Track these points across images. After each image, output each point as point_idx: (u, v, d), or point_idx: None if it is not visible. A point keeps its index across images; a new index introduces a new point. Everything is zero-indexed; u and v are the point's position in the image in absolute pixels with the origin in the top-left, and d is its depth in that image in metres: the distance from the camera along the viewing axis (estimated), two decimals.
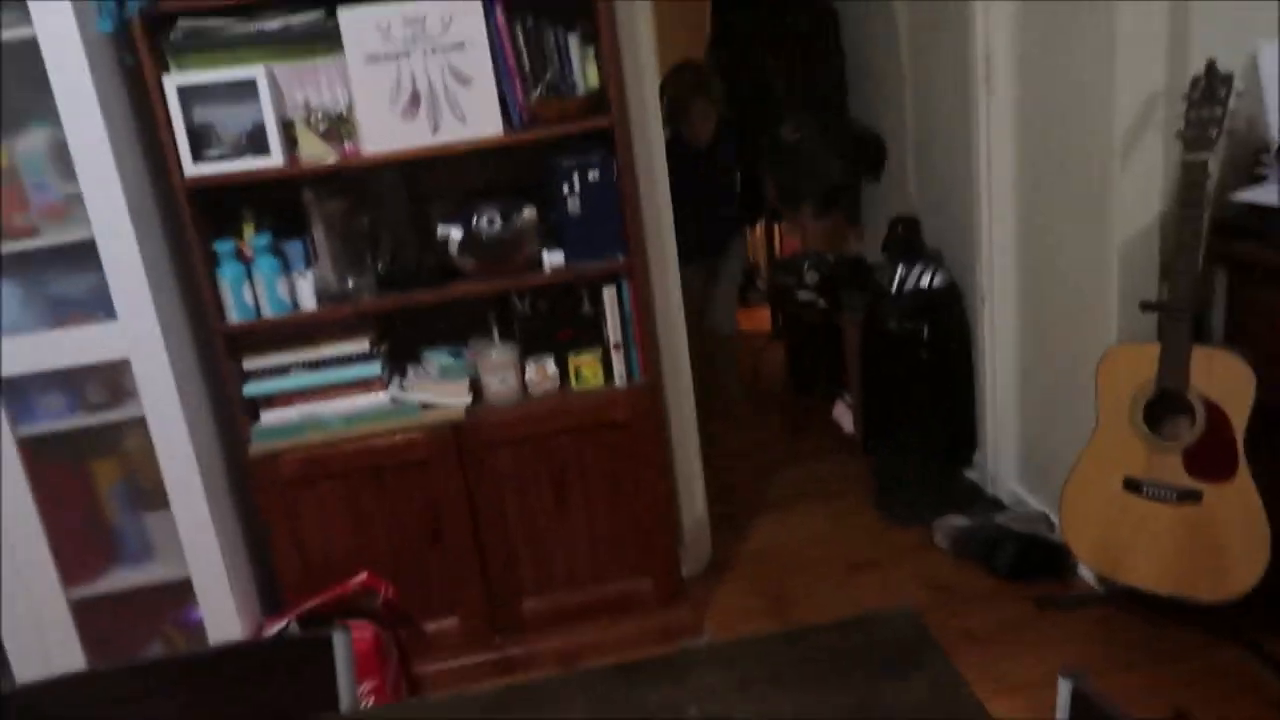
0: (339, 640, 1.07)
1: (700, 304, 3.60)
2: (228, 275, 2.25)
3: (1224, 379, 2.06)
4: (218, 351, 2.28)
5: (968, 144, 2.80)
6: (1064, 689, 0.91)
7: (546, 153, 2.34)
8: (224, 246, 2.24)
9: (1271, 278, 2.10)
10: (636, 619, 2.53)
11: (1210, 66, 2.03)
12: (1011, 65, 2.64)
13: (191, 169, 2.17)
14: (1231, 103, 2.01)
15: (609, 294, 2.40)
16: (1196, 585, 2.16)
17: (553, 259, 2.36)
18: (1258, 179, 2.16)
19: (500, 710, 1.01)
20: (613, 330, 2.41)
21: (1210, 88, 2.02)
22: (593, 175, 2.32)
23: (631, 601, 2.53)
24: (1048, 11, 2.45)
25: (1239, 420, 2.05)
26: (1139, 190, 2.26)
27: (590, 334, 2.47)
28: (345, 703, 1.07)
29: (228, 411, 2.36)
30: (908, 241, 3.10)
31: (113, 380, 2.21)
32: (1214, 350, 2.09)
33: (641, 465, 2.44)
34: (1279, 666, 2.11)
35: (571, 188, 2.33)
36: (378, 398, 2.38)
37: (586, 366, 2.44)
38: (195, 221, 2.19)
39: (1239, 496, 2.07)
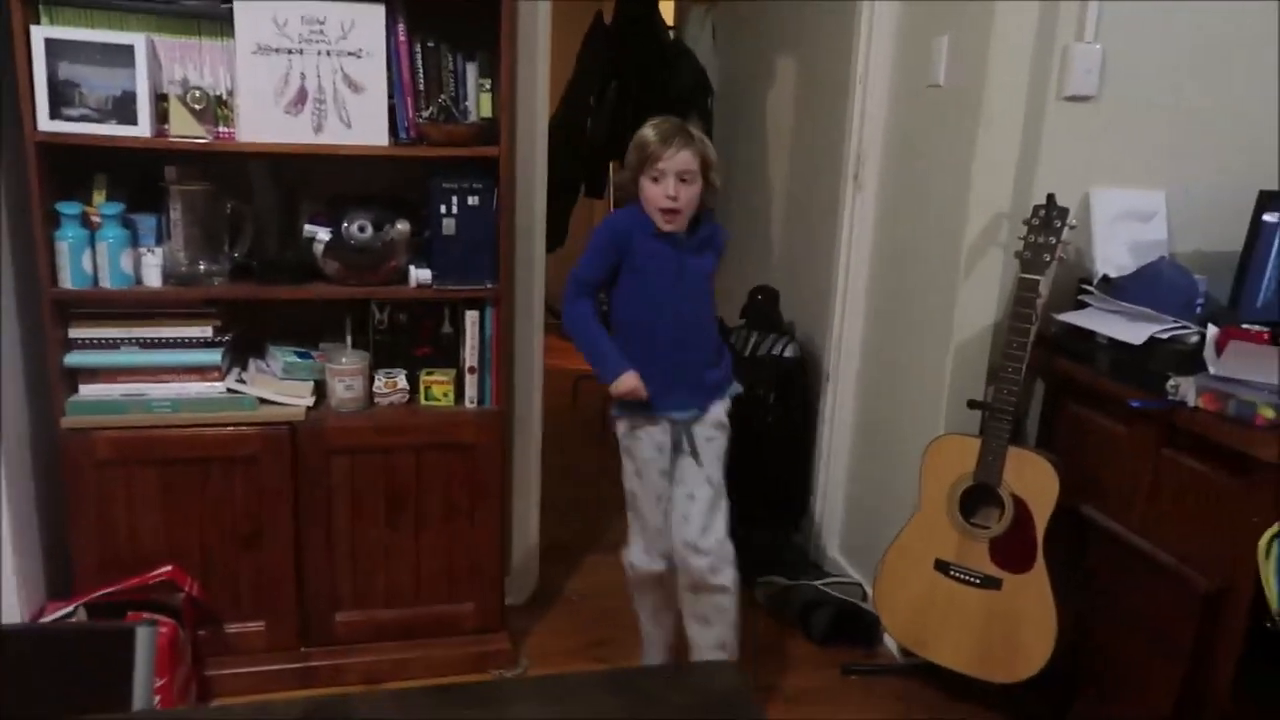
0: (142, 635, 1.02)
1: None
2: (68, 238, 2.12)
3: (1032, 479, 2.23)
4: (43, 316, 2.13)
5: (832, 230, 2.96)
6: None
7: (430, 171, 2.32)
8: (69, 209, 2.11)
9: (1083, 393, 2.30)
10: (452, 643, 2.49)
11: (1050, 199, 2.22)
12: (879, 167, 2.82)
13: (47, 124, 2.05)
14: (1065, 234, 2.21)
15: (471, 317, 2.39)
16: (991, 667, 2.30)
17: (420, 275, 2.34)
18: (1079, 305, 2.37)
19: None
20: (470, 353, 2.40)
21: (1049, 217, 2.22)
22: (472, 200, 2.32)
23: (450, 625, 2.49)
24: (917, 124, 2.64)
25: (1041, 517, 2.22)
26: (978, 298, 2.44)
27: (447, 355, 2.45)
28: (139, 701, 1.02)
29: (45, 379, 2.21)
30: (765, 311, 3.22)
31: None
32: (1026, 452, 2.26)
33: (480, 491, 2.42)
34: None
35: (449, 209, 2.32)
36: (213, 386, 2.28)
37: (438, 386, 2.41)
38: (41, 179, 2.06)
39: (1034, 587, 2.23)
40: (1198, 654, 1.94)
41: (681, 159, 1.99)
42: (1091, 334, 2.26)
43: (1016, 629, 2.25)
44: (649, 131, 2.01)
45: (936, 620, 2.37)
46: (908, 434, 2.64)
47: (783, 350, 3.13)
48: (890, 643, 2.69)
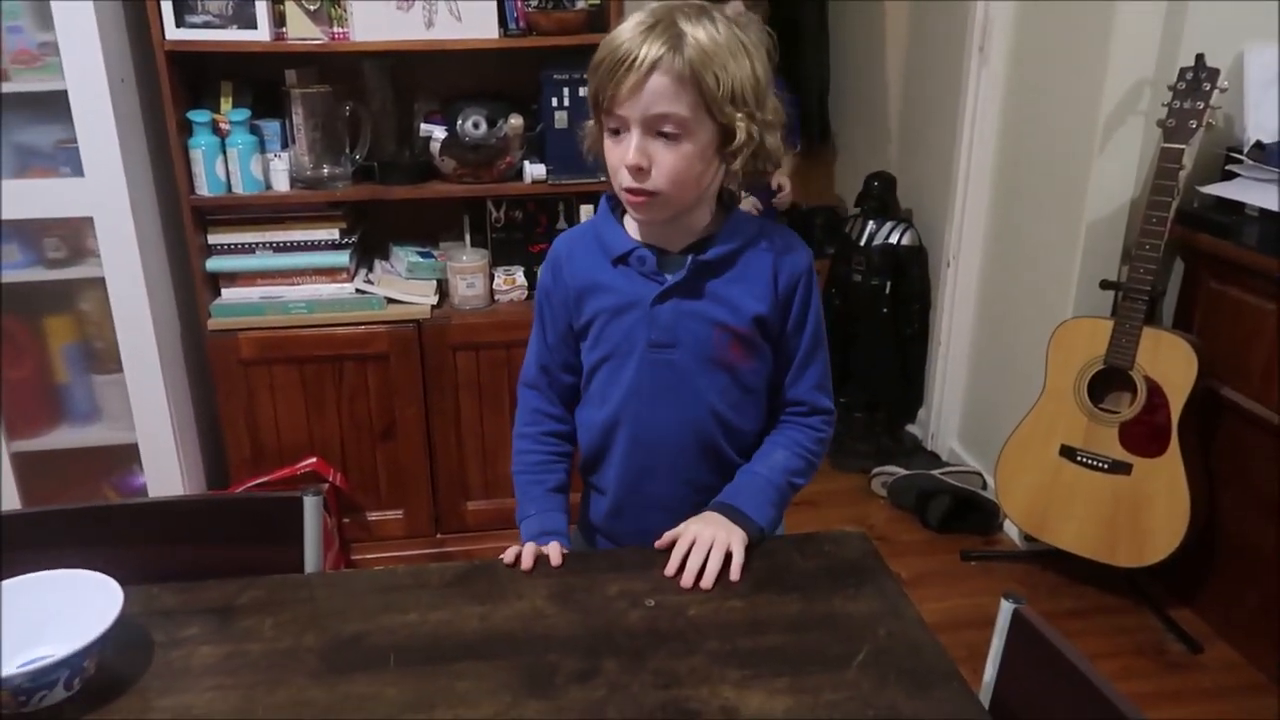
0: (310, 503, 1.09)
1: None
2: (201, 146, 2.20)
3: (1169, 361, 2.15)
4: (184, 222, 2.24)
5: (954, 109, 2.83)
6: (1005, 610, 0.97)
7: (540, 63, 2.31)
8: (200, 117, 2.19)
9: (1226, 270, 2.18)
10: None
11: (1199, 60, 2.07)
12: (1008, 37, 2.66)
13: (174, 32, 2.11)
14: (1214, 97, 2.06)
15: (586, 211, 2.39)
16: (1116, 551, 2.26)
17: (534, 170, 2.35)
18: (1227, 175, 2.22)
19: (461, 582, 1.04)
20: None
21: (1196, 81, 2.07)
22: (584, 91, 2.29)
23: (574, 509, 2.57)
24: None
25: (1177, 401, 2.14)
26: (1114, 173, 2.31)
27: None
28: (310, 564, 1.10)
29: (189, 284, 2.33)
30: (882, 198, 3.13)
31: (75, 237, 2.16)
32: (1162, 333, 2.16)
33: None
34: (1182, 632, 2.24)
35: (561, 101, 2.31)
36: (343, 287, 2.37)
37: None
38: (172, 87, 2.13)
39: (1167, 471, 2.17)
40: None
41: (653, 91, 1.03)
42: (1240, 206, 2.13)
43: (1146, 514, 2.20)
44: (615, 33, 1.07)
45: (1060, 505, 2.33)
46: (1033, 320, 2.55)
47: (900, 238, 3.05)
48: (1010, 530, 2.67)
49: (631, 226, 1.17)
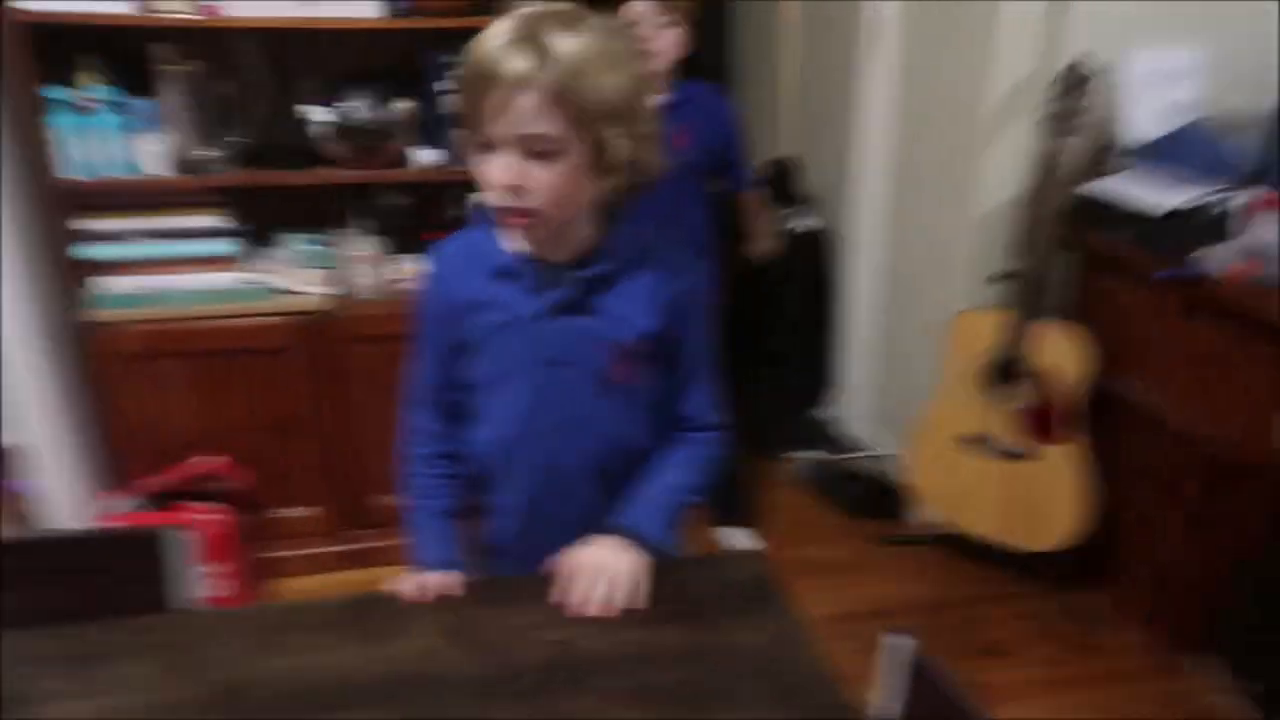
0: (168, 539, 1.02)
1: None
2: (61, 125, 2.03)
3: (1058, 350, 2.21)
4: (48, 207, 2.08)
5: (849, 95, 2.84)
6: (894, 647, 0.96)
7: (426, 44, 2.21)
8: (57, 94, 2.02)
9: (1108, 265, 2.25)
10: None
11: (1073, 64, 2.11)
12: (899, 22, 2.68)
13: (28, 2, 1.94)
14: (1088, 100, 2.10)
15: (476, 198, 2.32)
16: (1022, 535, 2.33)
17: (424, 156, 2.26)
18: (1104, 174, 2.29)
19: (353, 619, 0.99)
20: None
21: (1074, 80, 2.11)
22: None
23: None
24: None
25: (1067, 390, 2.21)
26: (1003, 167, 2.35)
27: None
28: (176, 600, 1.02)
29: (60, 275, 2.17)
30: (783, 183, 3.14)
31: None
32: (1051, 325, 2.23)
33: None
34: (1081, 615, 2.33)
35: (451, 86, 2.22)
36: (228, 277, 2.24)
37: None
38: (24, 61, 1.96)
39: (1063, 457, 2.24)
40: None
41: (520, 110, 0.97)
42: (1114, 204, 2.20)
43: (1044, 499, 2.28)
44: (481, 40, 1.00)
45: (966, 491, 2.39)
46: (934, 306, 2.60)
47: (805, 221, 3.06)
48: (923, 513, 2.72)
49: (511, 237, 1.11)
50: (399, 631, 0.97)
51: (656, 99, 1.62)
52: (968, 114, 2.37)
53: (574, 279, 1.08)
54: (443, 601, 1.02)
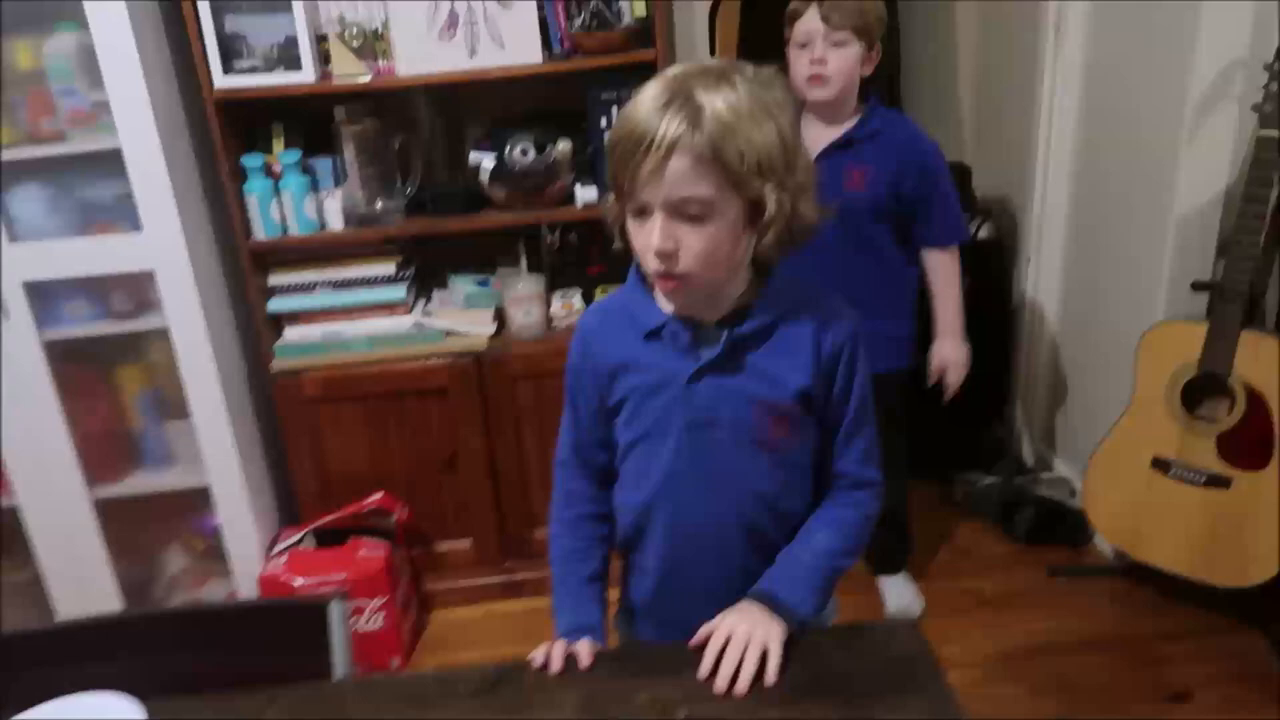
0: (335, 609, 1.07)
1: None
2: (255, 191, 2.22)
3: (1270, 366, 1.99)
4: (244, 267, 2.27)
5: (1031, 96, 2.66)
6: None
7: (587, 83, 2.25)
8: (252, 162, 2.20)
9: None
10: None
11: None
12: (1086, 14, 2.48)
13: (221, 80, 2.12)
14: None
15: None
16: (1215, 570, 2.12)
17: (586, 194, 2.30)
18: None
19: (491, 690, 1.01)
20: None
21: None
22: None
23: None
24: None
25: (1277, 409, 1.98)
26: (1206, 163, 2.14)
27: (620, 271, 2.41)
28: (339, 672, 1.08)
29: (252, 327, 2.36)
30: (959, 190, 2.98)
31: (139, 290, 2.20)
32: (1263, 336, 2.00)
33: None
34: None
35: (609, 121, 2.25)
36: (401, 321, 2.36)
37: None
38: (223, 135, 2.15)
39: (1270, 485, 2.01)
40: None
41: (674, 174, 0.96)
42: None
43: (1248, 530, 2.05)
44: (631, 107, 0.99)
45: (1154, 520, 2.19)
46: (1121, 320, 2.39)
47: (976, 232, 2.89)
48: (1100, 542, 2.52)
49: (663, 298, 1.10)
50: (535, 706, 0.97)
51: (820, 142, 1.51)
52: (1167, 107, 2.16)
53: (725, 339, 1.06)
54: (579, 671, 1.02)
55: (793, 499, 1.13)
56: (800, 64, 1.89)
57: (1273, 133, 1.92)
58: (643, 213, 1.00)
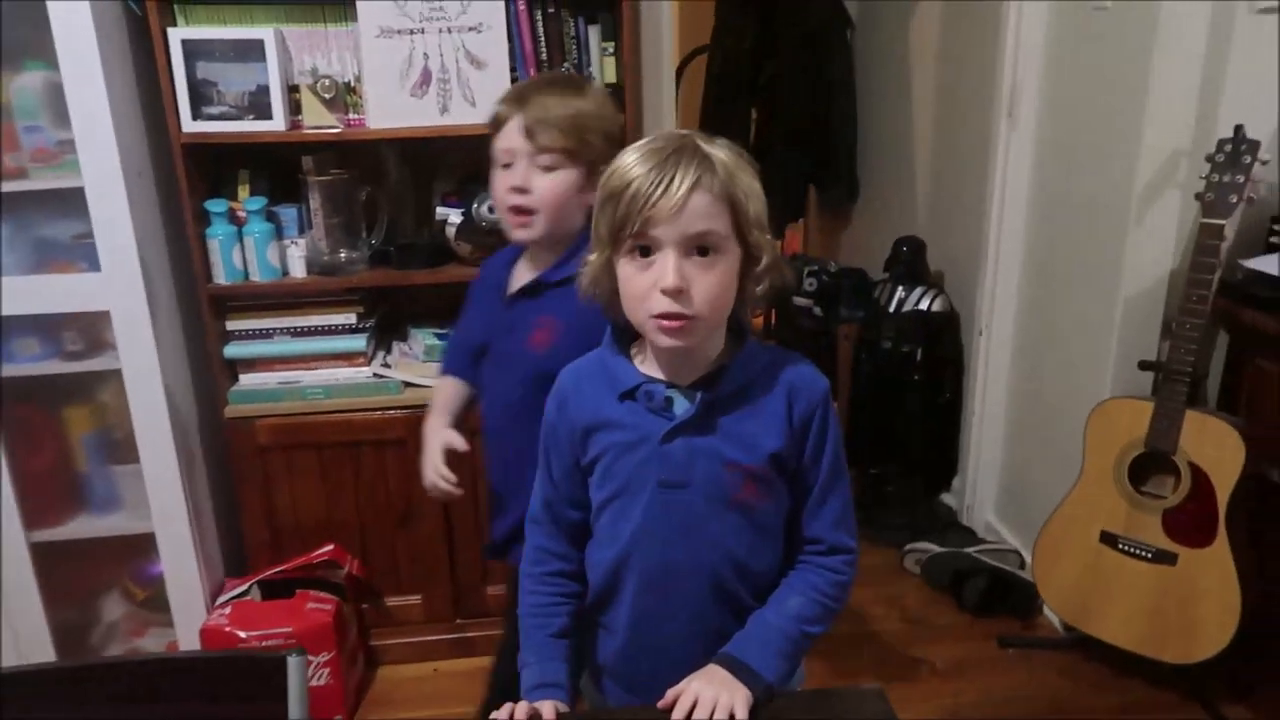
0: (293, 663, 1.05)
1: None
2: (218, 235, 2.20)
3: (1213, 445, 2.04)
4: (202, 311, 2.24)
5: (983, 173, 2.75)
6: None
7: None
8: (217, 207, 2.19)
9: (1272, 347, 2.07)
10: None
11: (1238, 131, 1.99)
12: (1037, 99, 2.59)
13: (190, 125, 2.12)
14: (1256, 170, 1.97)
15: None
16: (1163, 645, 2.15)
17: None
18: (1270, 248, 2.12)
19: None
20: None
21: (1236, 152, 1.99)
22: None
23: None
24: (1080, 53, 2.40)
25: (1223, 487, 2.04)
26: (1151, 246, 2.23)
27: None
28: None
29: (207, 372, 2.32)
30: (911, 263, 3.06)
31: (92, 330, 2.16)
32: (1207, 415, 2.06)
33: None
34: None
35: None
36: (360, 371, 2.35)
37: None
38: (189, 179, 2.14)
39: (1215, 563, 2.06)
40: None
41: (695, 210, 1.00)
42: None
43: (1194, 606, 2.09)
44: (630, 159, 1.03)
45: (1102, 594, 2.22)
46: (1070, 394, 2.46)
47: (930, 304, 2.97)
48: (1050, 615, 2.55)
49: (639, 360, 1.12)
50: None
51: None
52: (1115, 191, 2.26)
53: (699, 400, 1.08)
54: None
55: (763, 559, 1.13)
56: (499, 189, 1.46)
57: (1214, 221, 2.01)
58: (648, 252, 1.02)
